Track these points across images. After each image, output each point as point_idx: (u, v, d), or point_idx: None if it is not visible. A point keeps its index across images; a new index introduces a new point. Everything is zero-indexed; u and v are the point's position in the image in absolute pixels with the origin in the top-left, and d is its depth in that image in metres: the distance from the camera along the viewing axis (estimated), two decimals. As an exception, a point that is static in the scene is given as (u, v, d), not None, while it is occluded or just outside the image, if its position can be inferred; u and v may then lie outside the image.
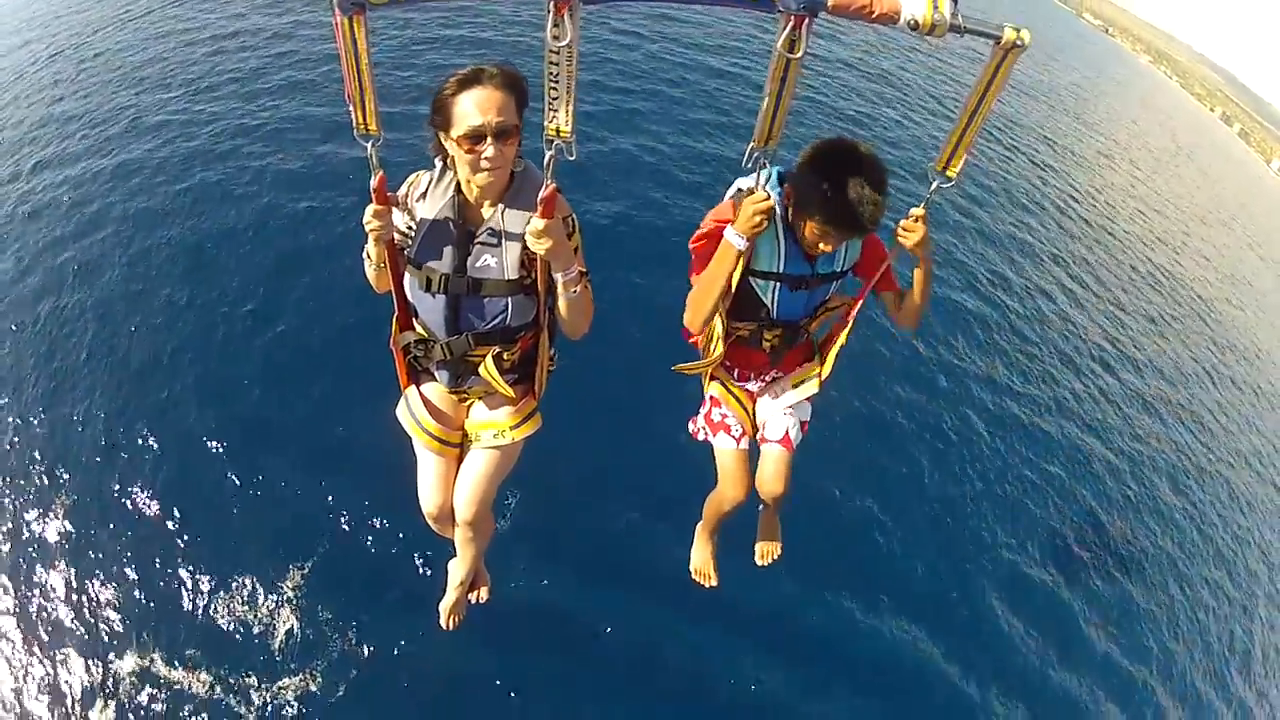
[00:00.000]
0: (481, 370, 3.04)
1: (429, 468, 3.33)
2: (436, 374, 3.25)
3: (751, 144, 2.47)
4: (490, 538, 3.66)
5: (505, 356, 3.06)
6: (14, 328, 9.64)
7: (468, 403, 3.35)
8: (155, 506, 7.95)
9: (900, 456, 10.23)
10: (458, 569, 3.73)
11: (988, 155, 21.38)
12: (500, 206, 2.77)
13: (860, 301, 3.29)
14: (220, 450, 8.32)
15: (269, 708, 6.92)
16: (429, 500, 3.36)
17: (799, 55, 2.21)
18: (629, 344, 9.20)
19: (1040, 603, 9.60)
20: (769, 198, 2.76)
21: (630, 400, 9.12)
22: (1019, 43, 2.25)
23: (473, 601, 3.94)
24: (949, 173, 2.65)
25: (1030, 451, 11.53)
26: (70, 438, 8.47)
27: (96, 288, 10.02)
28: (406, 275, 2.93)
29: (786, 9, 2.12)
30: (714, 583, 4.21)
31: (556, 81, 2.22)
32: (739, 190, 3.05)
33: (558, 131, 2.32)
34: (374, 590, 7.59)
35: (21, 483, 8.20)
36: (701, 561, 4.21)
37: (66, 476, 8.18)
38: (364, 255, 2.94)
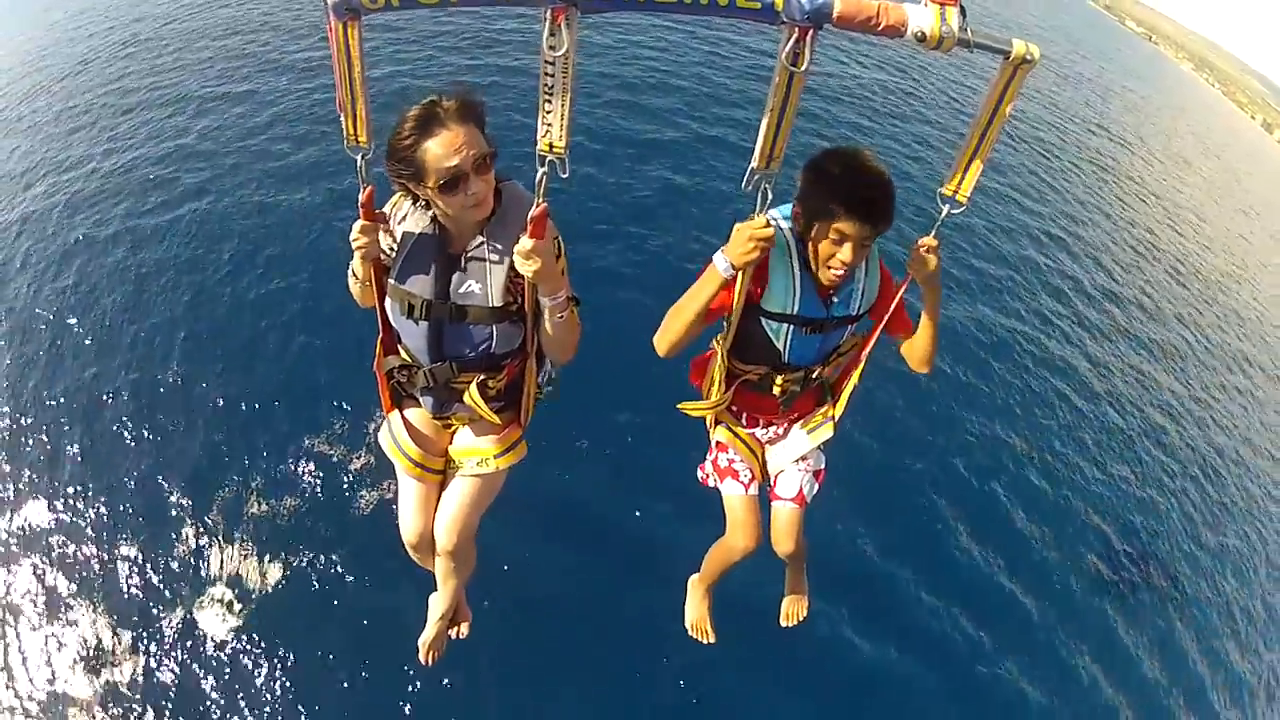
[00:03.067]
0: (466, 397, 2.96)
1: (410, 494, 3.28)
2: (420, 400, 3.16)
3: (752, 165, 2.31)
4: (472, 570, 3.58)
5: (490, 384, 2.98)
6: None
7: (452, 429, 3.28)
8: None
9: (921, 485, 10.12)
10: (438, 603, 3.63)
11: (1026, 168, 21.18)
12: (485, 232, 2.70)
13: (874, 339, 3.13)
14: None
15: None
16: (409, 528, 3.30)
17: (803, 69, 2.12)
18: (632, 373, 9.00)
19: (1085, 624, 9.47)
20: (769, 224, 2.56)
21: (634, 439, 9.03)
22: (1028, 58, 2.14)
23: (453, 637, 3.82)
24: (959, 197, 2.49)
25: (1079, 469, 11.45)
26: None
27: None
28: (388, 300, 2.85)
29: (790, 20, 2.02)
30: (712, 639, 4.00)
31: (551, 93, 2.14)
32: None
33: (550, 147, 2.22)
34: (354, 627, 7.55)
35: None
36: (699, 616, 4.02)
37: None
38: (349, 271, 2.88)
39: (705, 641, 4.01)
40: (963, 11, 2.06)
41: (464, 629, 3.81)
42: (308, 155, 13.04)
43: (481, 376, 2.95)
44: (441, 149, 2.42)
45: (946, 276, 13.11)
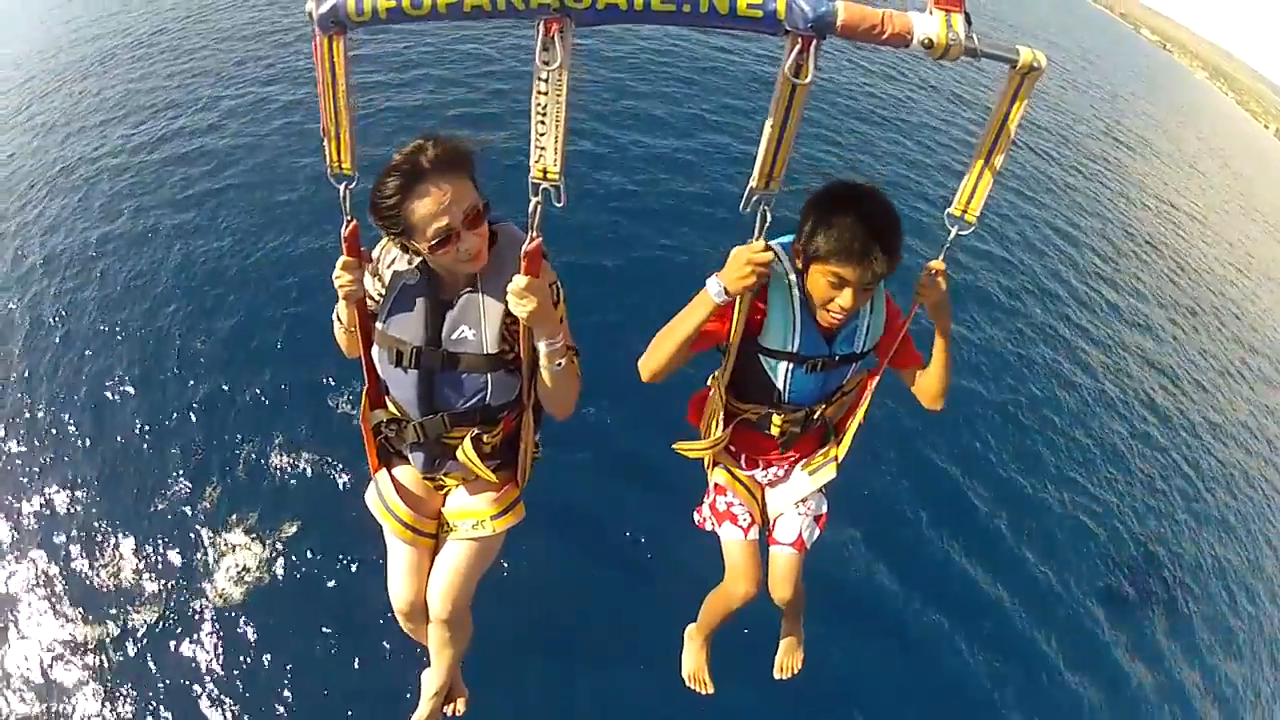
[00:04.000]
0: (459, 454, 2.79)
1: (400, 559, 3.08)
2: (410, 457, 2.98)
3: (751, 184, 2.18)
4: (468, 641, 3.33)
5: (485, 439, 2.80)
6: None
7: (445, 490, 3.10)
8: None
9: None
10: (432, 678, 3.38)
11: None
12: (479, 277, 2.56)
13: (879, 376, 2.98)
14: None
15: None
16: (400, 595, 3.10)
17: (806, 80, 2.03)
18: (626, 412, 8.99)
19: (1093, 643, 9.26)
20: (768, 249, 2.41)
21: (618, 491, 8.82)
22: (1035, 65, 2.05)
23: (448, 715, 3.57)
24: (968, 217, 2.36)
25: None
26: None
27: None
28: (375, 347, 2.69)
29: (794, 29, 1.93)
30: (710, 690, 3.83)
31: (544, 114, 2.01)
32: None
33: (544, 173, 2.08)
34: (359, 605, 7.34)
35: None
36: (696, 666, 3.85)
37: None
38: (333, 316, 2.74)
39: (703, 692, 3.84)
40: (968, 19, 1.96)
41: (460, 705, 3.57)
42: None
43: (476, 431, 2.78)
44: (429, 208, 2.31)
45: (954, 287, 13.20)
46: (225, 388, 9.36)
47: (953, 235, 2.43)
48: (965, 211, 2.37)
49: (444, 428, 2.76)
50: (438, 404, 2.73)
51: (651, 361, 2.73)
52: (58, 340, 10.00)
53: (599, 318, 9.78)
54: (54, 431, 8.96)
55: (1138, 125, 37.79)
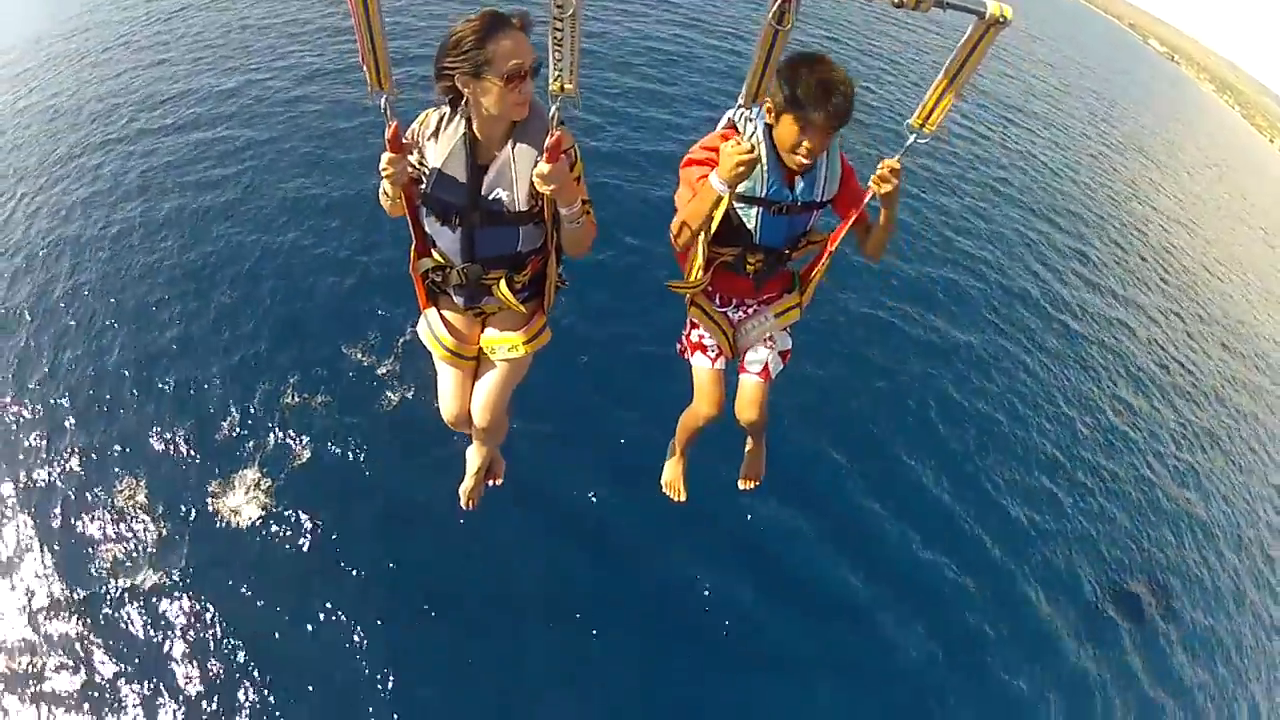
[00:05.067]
0: (495, 291, 3.30)
1: (447, 379, 3.64)
2: (454, 296, 3.46)
3: (739, 103, 2.68)
4: (504, 434, 4.00)
5: (516, 279, 3.30)
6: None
7: (482, 318, 3.57)
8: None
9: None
10: (474, 458, 4.06)
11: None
12: (510, 142, 2.97)
13: (839, 235, 3.38)
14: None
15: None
16: (449, 409, 3.67)
17: (787, 28, 2.32)
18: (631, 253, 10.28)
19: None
20: (753, 149, 2.90)
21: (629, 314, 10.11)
22: (1001, 18, 2.32)
23: (490, 484, 4.29)
24: (926, 128, 2.75)
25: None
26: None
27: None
28: (423, 209, 3.15)
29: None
30: (683, 497, 4.42)
31: (560, 46, 2.32)
32: (730, 122, 3.22)
33: (562, 88, 2.43)
34: (379, 511, 8.17)
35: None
36: (673, 476, 4.43)
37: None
38: (380, 191, 3.13)
39: (676, 499, 4.44)
40: None
41: (499, 479, 4.31)
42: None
43: (509, 272, 3.27)
44: (510, 48, 2.71)
45: (967, 302, 13.35)
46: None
47: (910, 142, 2.83)
48: (925, 123, 2.75)
49: (482, 271, 3.26)
50: (477, 253, 3.22)
51: (681, 241, 3.32)
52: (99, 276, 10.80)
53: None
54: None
55: (1134, 132, 37.93)
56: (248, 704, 6.98)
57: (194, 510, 8.12)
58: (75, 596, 7.52)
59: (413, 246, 3.33)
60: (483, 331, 3.59)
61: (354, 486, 8.40)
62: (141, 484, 8.31)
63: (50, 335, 9.88)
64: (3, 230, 11.76)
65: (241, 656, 7.21)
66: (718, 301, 3.86)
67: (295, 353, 9.67)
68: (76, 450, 8.62)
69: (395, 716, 6.99)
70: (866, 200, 3.24)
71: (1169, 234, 24.48)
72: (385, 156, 2.86)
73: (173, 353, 9.64)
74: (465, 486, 4.20)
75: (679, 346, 4.00)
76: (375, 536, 8.01)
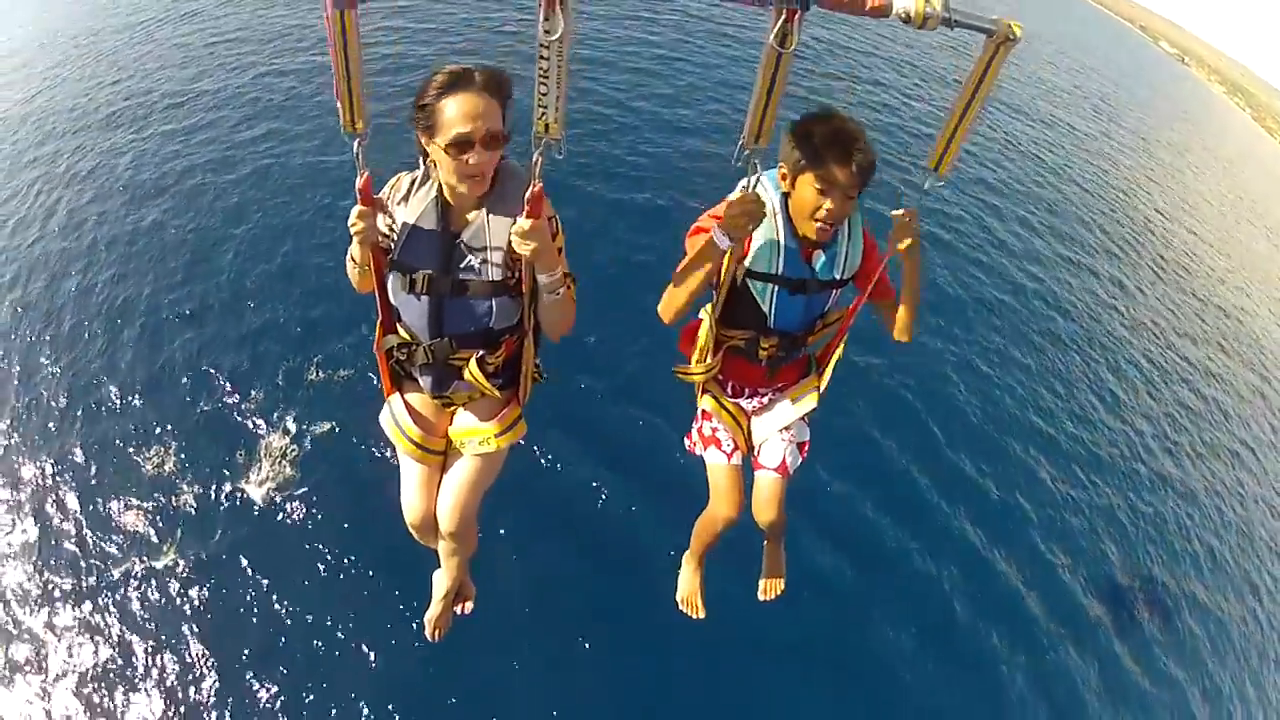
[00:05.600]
0: (465, 373, 2.99)
1: (412, 476, 3.28)
2: (420, 379, 3.18)
3: (741, 141, 2.36)
4: (474, 548, 3.57)
5: (489, 360, 3.00)
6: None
7: (451, 409, 3.28)
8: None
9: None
10: (442, 581, 3.66)
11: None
12: (484, 209, 2.73)
13: (857, 307, 3.17)
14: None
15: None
16: (412, 509, 3.29)
17: (790, 49, 2.16)
18: (630, 344, 9.56)
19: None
20: (759, 198, 2.64)
21: (628, 407, 9.32)
22: (1011, 36, 2.19)
23: (458, 613, 3.87)
24: (941, 171, 2.59)
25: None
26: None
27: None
28: (390, 277, 2.88)
29: (778, 1, 2.06)
30: (701, 615, 3.99)
31: (547, 77, 2.15)
32: (742, 189, 2.93)
33: (546, 128, 2.24)
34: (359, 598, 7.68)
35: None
36: (689, 590, 4.00)
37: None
38: (347, 257, 2.91)
39: (695, 616, 4.00)
40: None
41: (468, 605, 3.87)
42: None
43: (480, 352, 2.97)
44: (460, 109, 2.47)
45: (980, 306, 13.16)
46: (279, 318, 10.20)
47: (926, 186, 2.66)
48: (939, 165, 2.59)
49: (451, 349, 2.96)
50: (446, 328, 2.92)
51: (672, 307, 2.96)
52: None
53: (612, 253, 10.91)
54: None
55: (1142, 132, 37.76)
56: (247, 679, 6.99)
57: (217, 482, 8.23)
58: (96, 564, 7.61)
59: (379, 322, 3.06)
60: (452, 423, 3.28)
61: (373, 466, 8.29)
62: (170, 452, 8.47)
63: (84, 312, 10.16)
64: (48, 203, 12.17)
65: (240, 627, 7.26)
66: (729, 391, 3.59)
67: (319, 329, 9.79)
68: (106, 418, 8.85)
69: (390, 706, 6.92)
70: (887, 260, 3.03)
71: (1172, 233, 24.24)
72: (355, 210, 2.65)
73: (201, 326, 9.91)
74: (431, 614, 3.77)
75: (689, 442, 3.72)
76: (394, 516, 7.70)
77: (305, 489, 8.20)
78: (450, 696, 7.04)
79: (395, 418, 3.23)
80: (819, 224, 2.87)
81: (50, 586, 7.52)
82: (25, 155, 13.73)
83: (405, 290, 2.84)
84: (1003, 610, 9.06)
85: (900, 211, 2.81)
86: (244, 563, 7.68)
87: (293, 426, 8.75)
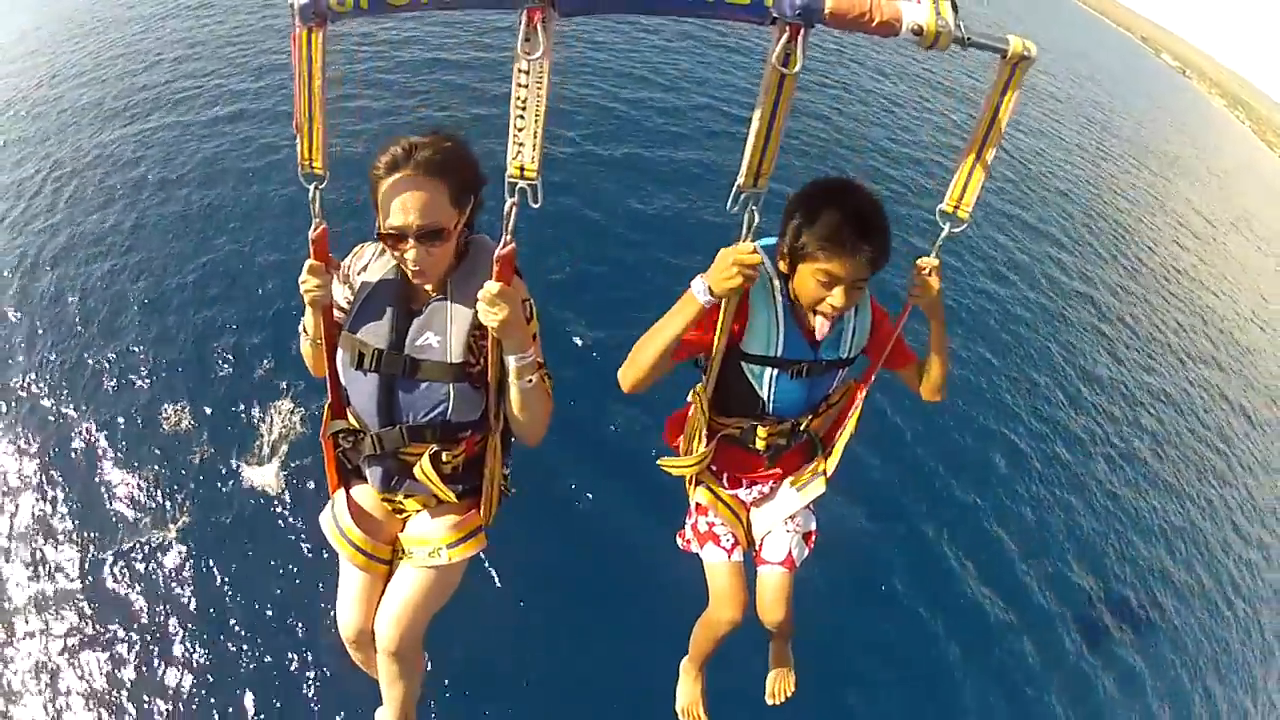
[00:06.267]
0: (417, 471, 2.63)
1: (351, 584, 2.90)
2: (367, 473, 2.82)
3: (738, 183, 2.08)
4: (421, 679, 3.11)
5: (445, 459, 2.66)
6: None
7: (405, 516, 2.94)
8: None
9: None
10: (385, 718, 3.15)
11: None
12: (449, 287, 2.46)
13: (868, 384, 2.90)
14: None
15: None
16: (347, 622, 2.92)
17: (794, 70, 1.98)
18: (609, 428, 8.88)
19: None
20: (755, 251, 2.27)
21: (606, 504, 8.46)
22: (1026, 54, 2.02)
23: None
24: (960, 213, 2.31)
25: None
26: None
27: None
28: (339, 350, 2.57)
29: (781, 18, 1.88)
30: None
31: (524, 106, 1.93)
32: None
33: (521, 171, 1.97)
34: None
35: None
36: (689, 700, 3.63)
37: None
38: (300, 329, 2.63)
39: None
40: (955, 7, 1.92)
41: None
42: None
43: (435, 448, 2.63)
44: (393, 200, 2.24)
45: (983, 317, 12.96)
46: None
47: (945, 233, 2.37)
48: (958, 208, 2.32)
49: (402, 441, 2.63)
50: (396, 414, 2.59)
51: (632, 371, 2.61)
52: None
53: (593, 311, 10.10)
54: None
55: (1135, 139, 37.68)
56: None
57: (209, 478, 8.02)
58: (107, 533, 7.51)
59: (327, 404, 2.74)
60: (403, 528, 2.90)
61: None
62: (185, 410, 8.46)
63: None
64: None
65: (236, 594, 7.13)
66: (725, 482, 3.24)
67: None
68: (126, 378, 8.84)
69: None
70: (903, 322, 2.73)
71: (1169, 247, 24.07)
72: (307, 264, 2.36)
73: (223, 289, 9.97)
74: None
75: (681, 540, 3.38)
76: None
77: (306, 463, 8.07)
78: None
79: (336, 518, 2.87)
80: (821, 316, 2.59)
81: (51, 557, 7.39)
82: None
83: (354, 365, 2.53)
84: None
85: (922, 261, 2.52)
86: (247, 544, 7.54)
87: (302, 391, 8.63)
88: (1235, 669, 10.11)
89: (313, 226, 2.34)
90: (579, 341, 9.70)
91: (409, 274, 2.39)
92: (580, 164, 13.80)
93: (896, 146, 19.53)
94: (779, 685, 3.73)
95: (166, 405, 8.59)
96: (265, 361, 9.04)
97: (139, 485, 7.90)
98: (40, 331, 9.52)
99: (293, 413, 8.49)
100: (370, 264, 2.54)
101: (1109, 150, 31.53)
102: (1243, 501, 13.36)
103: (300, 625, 6.97)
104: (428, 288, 2.48)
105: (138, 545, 7.47)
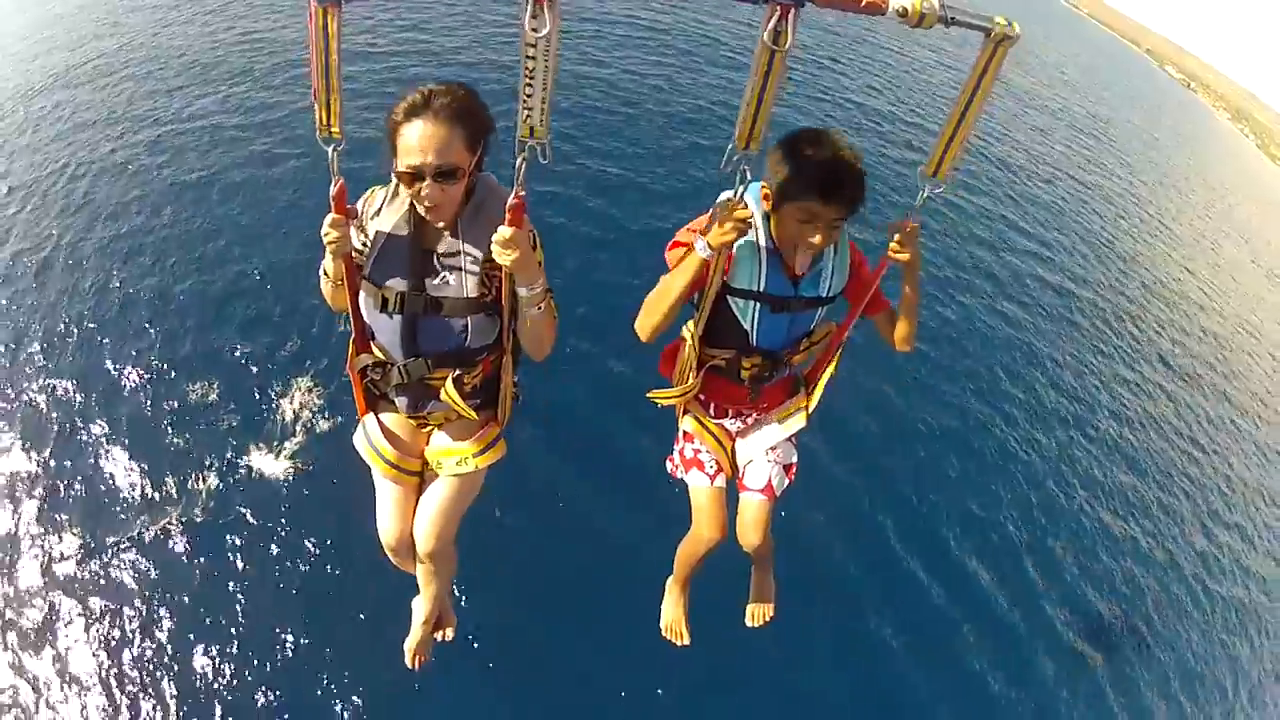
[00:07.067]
0: (442, 394, 2.87)
1: (387, 497, 3.18)
2: (395, 399, 3.07)
3: (731, 145, 2.26)
4: (453, 573, 3.48)
5: (465, 379, 2.90)
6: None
7: (428, 429, 3.20)
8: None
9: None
10: (421, 607, 3.54)
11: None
12: (459, 226, 2.64)
13: (849, 326, 3.08)
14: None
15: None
16: (388, 532, 3.20)
17: (785, 48, 2.08)
18: (607, 365, 9.48)
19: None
20: (748, 207, 2.53)
21: (607, 429, 9.21)
22: (1009, 34, 2.13)
23: (438, 640, 3.71)
24: (939, 177, 2.50)
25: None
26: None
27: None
28: (361, 294, 2.77)
29: (772, -4, 1.97)
30: (686, 641, 3.84)
31: (533, 77, 2.06)
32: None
33: (531, 132, 2.14)
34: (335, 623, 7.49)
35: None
36: (673, 617, 3.85)
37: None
38: (320, 271, 2.79)
39: (679, 643, 3.85)
40: None
41: (449, 632, 3.74)
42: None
43: (457, 372, 2.86)
44: (411, 141, 2.41)
45: (949, 324, 13.02)
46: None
47: (925, 194, 2.55)
48: (937, 171, 2.48)
49: (426, 369, 2.85)
50: (420, 347, 2.81)
51: (650, 322, 2.88)
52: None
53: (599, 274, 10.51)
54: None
55: (1135, 150, 38.02)
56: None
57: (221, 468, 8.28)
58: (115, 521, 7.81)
59: (351, 340, 2.95)
60: (428, 443, 3.18)
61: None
62: (214, 386, 8.87)
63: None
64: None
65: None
66: (712, 412, 3.45)
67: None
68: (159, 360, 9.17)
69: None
70: (881, 274, 2.91)
71: (1167, 267, 24.09)
72: (328, 218, 2.52)
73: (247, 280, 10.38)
74: (411, 641, 3.62)
75: (670, 465, 3.59)
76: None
77: (319, 451, 8.42)
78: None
79: (369, 438, 3.13)
80: (802, 254, 2.80)
81: (59, 544, 7.67)
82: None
83: (378, 309, 2.73)
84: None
85: (902, 221, 2.70)
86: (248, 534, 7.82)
87: (322, 370, 9.08)
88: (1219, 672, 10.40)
89: (333, 184, 2.48)
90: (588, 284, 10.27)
91: (422, 210, 2.57)
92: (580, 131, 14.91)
93: (885, 123, 20.53)
94: (759, 610, 3.92)
95: (192, 382, 8.96)
96: (289, 342, 9.48)
97: (178, 452, 8.33)
98: (62, 308, 10.05)
99: (311, 390, 8.94)
100: (383, 210, 2.70)
101: (1104, 162, 31.73)
102: (1221, 483, 13.96)
103: (335, 556, 7.76)
104: (439, 225, 2.64)
105: (185, 509, 7.94)
